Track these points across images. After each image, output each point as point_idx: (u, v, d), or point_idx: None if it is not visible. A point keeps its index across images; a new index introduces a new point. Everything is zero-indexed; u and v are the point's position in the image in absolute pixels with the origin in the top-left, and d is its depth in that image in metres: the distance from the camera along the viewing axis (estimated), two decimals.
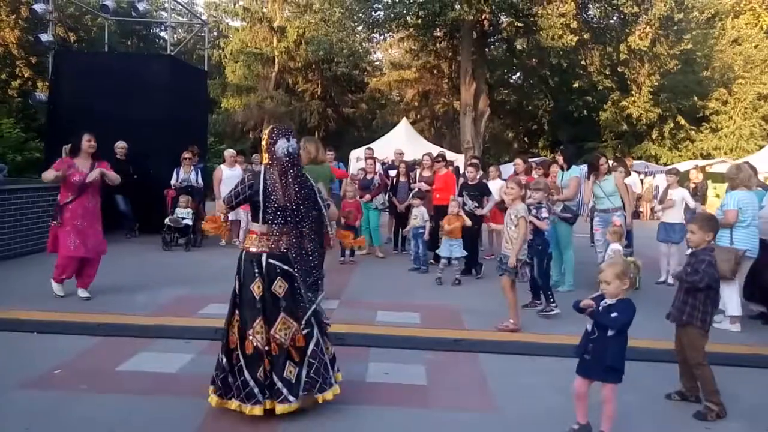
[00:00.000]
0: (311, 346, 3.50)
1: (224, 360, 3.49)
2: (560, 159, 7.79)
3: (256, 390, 3.37)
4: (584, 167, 7.90)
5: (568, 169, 7.64)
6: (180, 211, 9.56)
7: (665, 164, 24.93)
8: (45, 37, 11.75)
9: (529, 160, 10.94)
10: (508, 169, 13.55)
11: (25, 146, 19.10)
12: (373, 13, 22.35)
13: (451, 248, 7.65)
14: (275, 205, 3.49)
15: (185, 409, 3.59)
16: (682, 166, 17.88)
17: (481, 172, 9.07)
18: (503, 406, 3.84)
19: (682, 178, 9.97)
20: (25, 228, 8.46)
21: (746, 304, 6.19)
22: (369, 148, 11.92)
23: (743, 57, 27.54)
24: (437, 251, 7.98)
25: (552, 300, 6.11)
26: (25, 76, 24.75)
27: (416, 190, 9.18)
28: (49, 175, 5.94)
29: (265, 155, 3.59)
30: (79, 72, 11.35)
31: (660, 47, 22.72)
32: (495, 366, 4.57)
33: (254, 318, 3.42)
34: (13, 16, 23.72)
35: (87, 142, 6.06)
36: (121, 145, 10.11)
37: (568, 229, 7.43)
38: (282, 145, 3.55)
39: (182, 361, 4.40)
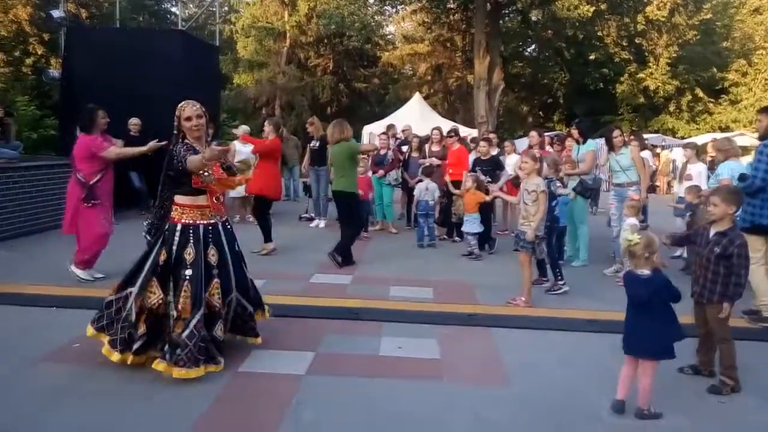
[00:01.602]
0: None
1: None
2: (575, 133, 7.75)
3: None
4: (600, 140, 7.82)
5: (584, 142, 7.59)
6: None
7: (683, 137, 24.58)
8: (57, 14, 11.73)
9: (544, 134, 10.82)
10: (522, 144, 13.43)
11: (41, 123, 19.21)
12: None
13: (467, 224, 7.65)
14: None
15: (202, 381, 3.65)
16: (700, 140, 17.60)
17: (497, 149, 8.98)
18: (515, 379, 3.86)
19: (700, 152, 9.86)
20: (41, 205, 8.56)
21: None
22: (391, 125, 11.72)
23: (764, 27, 26.87)
24: (462, 228, 7.97)
25: (560, 278, 6.09)
26: (39, 53, 24.78)
27: (426, 165, 9.14)
28: (113, 152, 5.95)
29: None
30: (92, 48, 11.34)
31: (678, 17, 22.27)
32: (508, 340, 4.59)
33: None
34: None
35: (103, 119, 5.99)
36: (134, 122, 10.13)
37: (584, 203, 7.42)
38: None
39: None
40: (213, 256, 3.84)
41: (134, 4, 27.56)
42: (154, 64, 10.96)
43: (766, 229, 5.10)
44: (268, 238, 7.68)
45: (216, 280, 3.83)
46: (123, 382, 3.62)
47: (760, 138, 5.25)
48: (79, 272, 6.01)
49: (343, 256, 7.07)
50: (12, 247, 7.56)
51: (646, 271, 3.33)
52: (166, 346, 3.66)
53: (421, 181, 8.70)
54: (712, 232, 3.88)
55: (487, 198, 7.69)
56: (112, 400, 3.41)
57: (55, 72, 12.87)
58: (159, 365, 3.61)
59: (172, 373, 3.58)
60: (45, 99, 21.74)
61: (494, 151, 8.81)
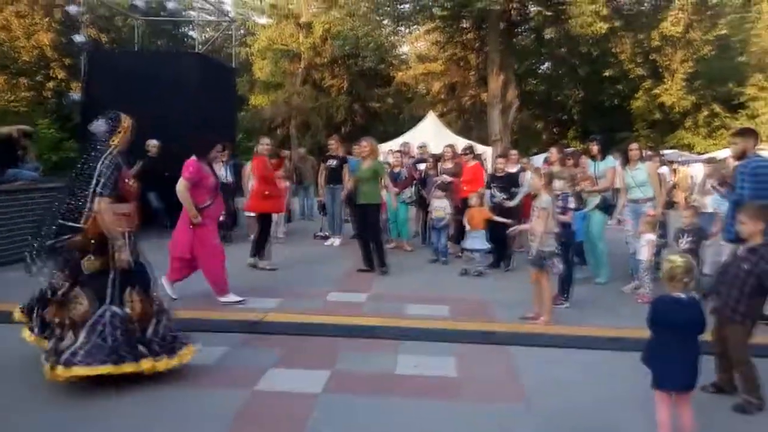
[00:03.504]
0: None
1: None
2: (594, 149, 7.64)
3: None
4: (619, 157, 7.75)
5: (602, 159, 7.52)
6: None
7: (700, 153, 24.35)
8: (78, 38, 12.02)
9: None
10: (538, 161, 13.40)
11: (61, 146, 19.58)
12: (398, 5, 22.22)
13: (474, 240, 7.65)
14: None
15: (221, 400, 3.65)
16: (719, 155, 17.40)
17: (518, 165, 8.95)
18: (534, 398, 3.80)
19: (719, 167, 9.74)
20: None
21: None
22: (405, 143, 11.83)
23: None
24: (464, 245, 7.97)
25: (566, 296, 6.08)
26: (60, 77, 25.33)
27: (439, 182, 9.15)
28: (187, 196, 5.76)
29: None
30: (111, 72, 11.55)
31: (693, 33, 22.20)
32: (526, 359, 4.53)
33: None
34: (47, 19, 24.31)
35: (217, 152, 6.45)
36: (153, 144, 10.26)
37: (602, 220, 7.32)
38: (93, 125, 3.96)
39: (218, 353, 4.47)
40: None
41: (153, 28, 28.08)
42: (173, 86, 11.12)
43: None
44: (254, 252, 7.85)
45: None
46: (140, 401, 3.62)
47: (737, 158, 5.29)
48: (228, 299, 5.95)
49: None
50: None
51: (682, 296, 3.11)
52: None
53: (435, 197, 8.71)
54: (741, 248, 3.80)
55: (493, 216, 7.69)
56: (131, 419, 3.41)
57: (75, 95, 13.13)
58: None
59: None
60: (65, 122, 22.18)
61: (515, 168, 8.76)
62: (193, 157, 5.94)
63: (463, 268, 7.72)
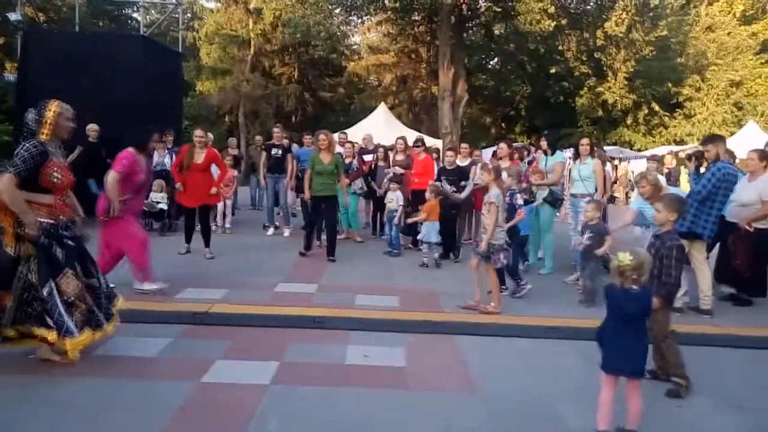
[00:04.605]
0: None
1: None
2: (544, 144, 7.87)
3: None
4: (568, 151, 8.00)
5: (552, 154, 7.73)
6: (155, 196, 9.41)
7: (639, 150, 25.28)
8: (13, 17, 11.42)
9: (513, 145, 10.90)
10: (487, 154, 13.62)
11: None
12: None
13: (428, 232, 7.72)
14: None
15: (166, 392, 3.58)
16: (657, 152, 18.15)
17: (469, 159, 9.05)
18: (481, 386, 3.89)
19: (659, 164, 10.17)
20: None
21: (717, 286, 6.36)
22: (343, 133, 11.81)
23: (716, 44, 27.89)
24: (419, 236, 8.03)
25: (520, 279, 6.27)
26: None
27: (391, 174, 9.19)
28: (115, 189, 5.47)
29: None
30: (50, 52, 11.01)
31: (636, 33, 22.90)
32: (473, 348, 4.62)
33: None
34: None
35: (154, 141, 6.09)
36: (93, 128, 9.87)
37: (551, 213, 7.57)
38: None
39: (160, 345, 4.37)
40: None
41: (94, 8, 26.96)
42: (115, 70, 10.71)
43: (700, 236, 5.75)
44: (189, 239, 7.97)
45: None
46: (81, 393, 3.51)
47: (710, 162, 5.88)
48: (151, 287, 5.74)
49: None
50: None
51: (633, 287, 3.20)
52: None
53: (389, 189, 8.76)
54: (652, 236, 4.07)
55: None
56: (71, 412, 3.30)
57: (10, 76, 12.49)
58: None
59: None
60: None
61: (466, 161, 8.87)
62: (130, 149, 5.70)
63: (423, 261, 7.78)
